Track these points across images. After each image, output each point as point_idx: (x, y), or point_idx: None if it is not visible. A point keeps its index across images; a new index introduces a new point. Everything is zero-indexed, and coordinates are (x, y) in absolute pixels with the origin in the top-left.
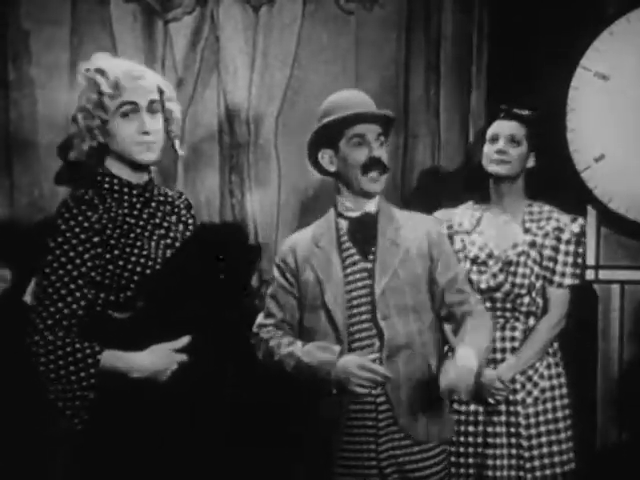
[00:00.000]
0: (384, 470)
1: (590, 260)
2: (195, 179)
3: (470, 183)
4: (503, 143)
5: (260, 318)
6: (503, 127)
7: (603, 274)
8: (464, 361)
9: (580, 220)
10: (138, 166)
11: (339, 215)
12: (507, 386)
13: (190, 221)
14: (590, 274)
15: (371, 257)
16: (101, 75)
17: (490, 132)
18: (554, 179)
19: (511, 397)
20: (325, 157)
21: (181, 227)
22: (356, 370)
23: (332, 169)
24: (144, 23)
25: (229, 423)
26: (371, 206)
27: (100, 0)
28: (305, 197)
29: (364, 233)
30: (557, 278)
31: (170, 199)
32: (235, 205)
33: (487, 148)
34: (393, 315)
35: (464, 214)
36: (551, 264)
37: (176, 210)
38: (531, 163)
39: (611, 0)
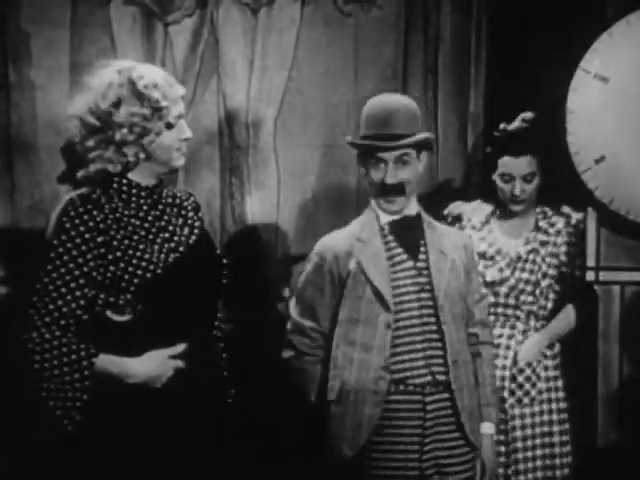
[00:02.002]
0: (425, 471)
1: (590, 261)
2: (195, 181)
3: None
4: (519, 185)
5: (292, 326)
6: (516, 167)
7: (603, 275)
8: (484, 454)
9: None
10: (163, 172)
11: (377, 217)
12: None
13: (197, 224)
14: (590, 275)
15: (421, 257)
16: (155, 89)
17: (503, 169)
18: (555, 181)
19: (510, 398)
20: (358, 162)
21: (187, 230)
22: None
23: (364, 175)
24: (144, 25)
25: (227, 429)
26: (411, 209)
27: (100, 2)
28: (304, 199)
29: (409, 234)
30: (569, 272)
31: (178, 200)
32: (235, 207)
33: (501, 185)
34: (449, 321)
35: (474, 211)
36: (564, 259)
37: (183, 212)
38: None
39: (611, 2)
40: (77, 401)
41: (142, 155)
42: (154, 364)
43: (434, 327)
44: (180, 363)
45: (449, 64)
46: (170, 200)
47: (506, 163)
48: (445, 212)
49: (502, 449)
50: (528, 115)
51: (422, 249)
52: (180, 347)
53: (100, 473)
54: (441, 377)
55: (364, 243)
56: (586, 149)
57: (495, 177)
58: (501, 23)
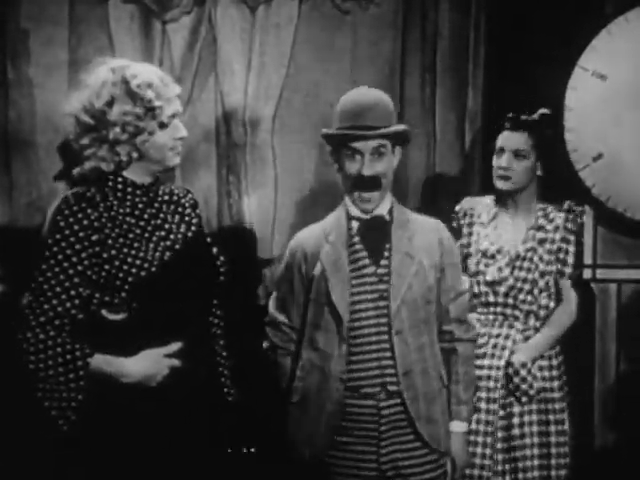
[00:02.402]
0: (385, 473)
1: (587, 259)
2: (192, 179)
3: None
4: (507, 158)
5: (268, 318)
6: (509, 140)
7: (600, 273)
8: (456, 453)
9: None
10: (158, 171)
11: (349, 214)
12: (525, 372)
13: (194, 221)
14: (587, 273)
15: (383, 263)
16: (149, 88)
17: (497, 144)
18: (552, 178)
19: (508, 397)
20: (332, 158)
21: (183, 227)
22: None
23: (337, 170)
24: (142, 23)
25: (225, 428)
26: (382, 209)
27: (98, 0)
28: (302, 197)
29: (375, 237)
30: (568, 269)
31: (175, 197)
32: (232, 205)
33: (494, 161)
34: (405, 329)
35: (484, 207)
36: (562, 255)
37: (180, 209)
38: (540, 172)
39: None
40: (72, 401)
41: (135, 154)
42: (149, 363)
43: (388, 336)
44: (176, 362)
45: (447, 62)
46: (167, 197)
47: (501, 138)
48: (457, 208)
49: (504, 445)
50: (545, 111)
51: (386, 254)
52: (175, 346)
53: (96, 473)
54: (393, 387)
55: (331, 246)
56: (584, 146)
57: (492, 160)
58: (499, 21)
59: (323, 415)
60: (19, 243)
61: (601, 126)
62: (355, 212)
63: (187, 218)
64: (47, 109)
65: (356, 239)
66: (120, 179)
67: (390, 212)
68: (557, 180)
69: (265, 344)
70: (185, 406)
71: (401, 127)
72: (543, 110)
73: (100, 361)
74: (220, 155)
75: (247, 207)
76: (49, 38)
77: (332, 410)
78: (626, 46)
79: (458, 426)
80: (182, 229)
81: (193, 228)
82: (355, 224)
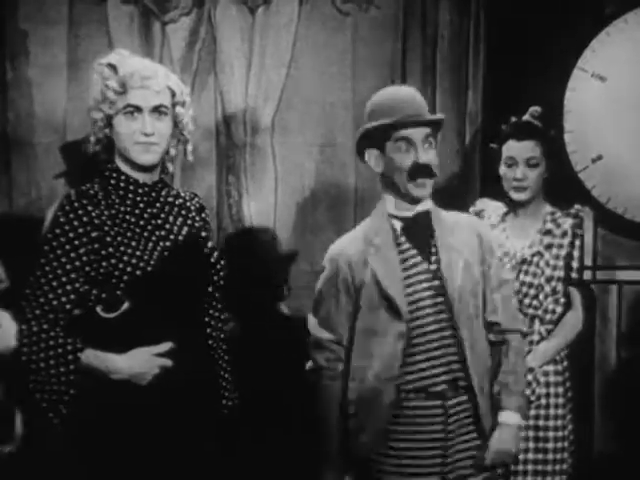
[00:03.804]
0: (447, 475)
1: (588, 260)
2: (192, 180)
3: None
4: (522, 169)
5: (311, 340)
6: (520, 150)
7: (601, 274)
8: (504, 444)
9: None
10: (139, 166)
11: (390, 214)
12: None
13: (198, 224)
14: (587, 274)
15: (433, 259)
16: (111, 70)
17: (507, 154)
18: (552, 179)
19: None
20: (371, 158)
21: (185, 230)
22: None
23: (378, 170)
24: (141, 24)
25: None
26: (426, 205)
27: (97, 1)
28: (302, 197)
29: (421, 234)
30: (574, 274)
31: (180, 200)
32: (232, 205)
33: (505, 171)
34: (462, 322)
35: (495, 209)
36: (569, 261)
37: (184, 212)
38: (546, 174)
39: (609, 1)
40: (63, 394)
41: (100, 135)
42: (139, 361)
43: (450, 331)
44: (167, 361)
45: (447, 63)
46: (171, 199)
47: (510, 147)
48: (470, 209)
49: None
50: (537, 109)
51: (434, 249)
52: (166, 345)
53: (86, 467)
54: (462, 382)
55: (377, 248)
56: (583, 148)
57: (500, 167)
58: (499, 22)
59: (381, 421)
60: (18, 243)
61: (600, 127)
62: (396, 211)
63: (190, 221)
64: (46, 109)
65: (402, 238)
66: (123, 177)
67: (429, 206)
68: (557, 182)
69: (309, 365)
70: (174, 405)
71: (442, 115)
72: (534, 108)
73: (90, 356)
74: (220, 155)
75: (247, 207)
76: (48, 39)
77: (389, 414)
78: (625, 48)
79: (510, 417)
80: (184, 231)
81: (194, 231)
82: (398, 223)
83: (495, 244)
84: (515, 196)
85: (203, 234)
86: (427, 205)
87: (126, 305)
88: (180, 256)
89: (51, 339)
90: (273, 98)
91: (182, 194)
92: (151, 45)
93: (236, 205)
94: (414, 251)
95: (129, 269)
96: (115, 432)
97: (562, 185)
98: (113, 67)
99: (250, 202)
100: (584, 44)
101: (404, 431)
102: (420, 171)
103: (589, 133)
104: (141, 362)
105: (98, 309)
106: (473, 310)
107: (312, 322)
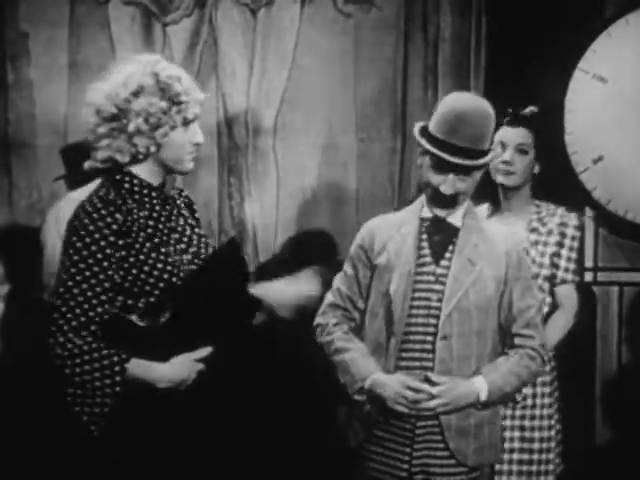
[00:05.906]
0: (414, 476)
1: (588, 262)
2: (193, 182)
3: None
4: (510, 153)
5: (325, 306)
6: (510, 135)
7: (602, 276)
8: (467, 396)
9: (580, 215)
10: (169, 173)
11: (424, 209)
12: None
13: (191, 222)
14: (588, 276)
15: (443, 264)
16: (178, 82)
17: (496, 140)
18: (553, 181)
19: None
20: (419, 159)
21: (188, 229)
22: (398, 387)
23: (419, 162)
24: (143, 26)
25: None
26: (455, 217)
27: (99, 2)
28: (304, 199)
29: (441, 238)
30: (561, 274)
31: (176, 198)
32: (234, 207)
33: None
34: (453, 336)
35: (479, 212)
36: (555, 260)
37: (181, 211)
38: (537, 169)
39: (610, 2)
40: (105, 407)
41: (153, 148)
42: (182, 368)
43: (433, 339)
44: (204, 367)
45: (449, 64)
46: (170, 200)
47: (502, 133)
48: None
49: None
50: (533, 109)
51: (447, 255)
52: (204, 351)
53: (120, 476)
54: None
55: (402, 237)
56: (584, 149)
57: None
58: (500, 24)
59: (368, 407)
60: (19, 245)
61: (601, 128)
62: (426, 213)
63: (190, 220)
64: (47, 111)
65: (424, 236)
66: (136, 180)
67: (462, 217)
68: (558, 183)
69: (318, 320)
70: (211, 411)
71: (491, 156)
72: (532, 107)
73: (135, 366)
74: (222, 157)
75: (249, 209)
76: (49, 40)
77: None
78: (626, 48)
79: (479, 384)
80: (187, 231)
81: (196, 231)
82: (426, 223)
83: (525, 267)
84: (500, 179)
85: (202, 232)
86: (460, 215)
87: (168, 313)
88: (196, 257)
89: (95, 351)
90: (275, 99)
91: (171, 192)
92: (152, 47)
93: (237, 207)
94: (427, 251)
95: (165, 276)
96: (152, 439)
97: (563, 186)
98: (179, 79)
99: (252, 204)
100: (585, 45)
101: (379, 420)
102: (440, 199)
103: (590, 134)
104: (184, 369)
105: (134, 318)
106: (477, 326)
107: (334, 287)
